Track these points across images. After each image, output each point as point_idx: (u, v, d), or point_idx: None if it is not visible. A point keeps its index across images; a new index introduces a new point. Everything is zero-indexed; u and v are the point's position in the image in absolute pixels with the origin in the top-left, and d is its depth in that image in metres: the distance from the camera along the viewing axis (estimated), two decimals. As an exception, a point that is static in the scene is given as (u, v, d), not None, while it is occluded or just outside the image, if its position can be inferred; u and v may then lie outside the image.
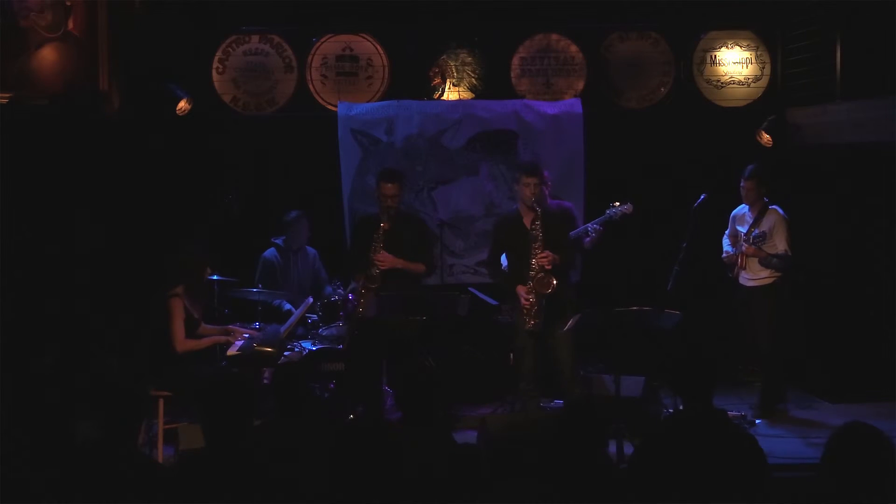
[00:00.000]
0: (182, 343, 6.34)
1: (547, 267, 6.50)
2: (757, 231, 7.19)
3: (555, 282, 6.51)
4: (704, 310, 7.48)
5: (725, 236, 7.50)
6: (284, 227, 7.60)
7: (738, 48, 8.62)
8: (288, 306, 7.40)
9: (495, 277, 6.97)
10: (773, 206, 7.24)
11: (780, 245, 7.15)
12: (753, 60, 8.61)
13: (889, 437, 3.30)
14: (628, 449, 6.27)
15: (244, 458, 3.67)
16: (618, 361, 6.53)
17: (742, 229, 7.32)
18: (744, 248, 7.20)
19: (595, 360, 7.40)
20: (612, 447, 6.19)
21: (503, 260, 6.97)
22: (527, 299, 6.55)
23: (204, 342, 6.53)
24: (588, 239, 6.78)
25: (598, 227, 6.75)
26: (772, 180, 7.32)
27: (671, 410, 6.94)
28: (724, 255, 7.43)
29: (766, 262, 7.16)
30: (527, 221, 6.65)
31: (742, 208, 7.39)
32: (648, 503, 3.80)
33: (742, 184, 7.25)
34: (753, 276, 7.27)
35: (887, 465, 3.22)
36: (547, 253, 6.51)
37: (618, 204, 6.77)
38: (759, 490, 3.89)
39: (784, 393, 7.43)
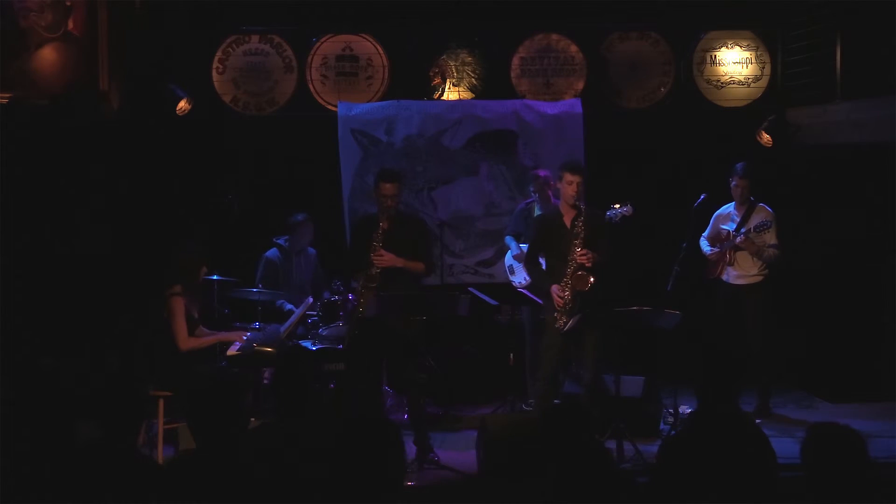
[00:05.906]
0: (185, 341, 6.33)
1: (587, 265, 6.38)
2: (758, 221, 7.12)
3: (592, 279, 6.38)
4: (704, 310, 7.47)
5: (703, 238, 7.38)
6: (289, 228, 7.59)
7: (738, 48, 8.62)
8: (289, 306, 7.40)
9: (534, 277, 6.83)
10: (761, 204, 7.23)
11: (770, 240, 7.13)
12: (753, 60, 8.62)
13: (861, 434, 3.31)
14: (628, 449, 6.30)
15: (238, 458, 3.66)
16: (618, 361, 6.52)
17: (728, 227, 7.26)
18: (738, 240, 7.12)
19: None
20: (612, 446, 6.21)
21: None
22: (560, 297, 6.43)
23: (208, 340, 6.52)
24: None
25: None
26: (759, 178, 7.30)
27: (671, 410, 6.95)
28: (708, 252, 7.34)
29: (760, 253, 7.11)
30: (567, 220, 6.52)
31: (727, 207, 7.33)
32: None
33: (734, 182, 7.20)
34: (743, 273, 7.21)
35: (858, 463, 3.24)
36: (587, 251, 6.39)
37: (617, 206, 6.70)
38: (771, 491, 3.90)
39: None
